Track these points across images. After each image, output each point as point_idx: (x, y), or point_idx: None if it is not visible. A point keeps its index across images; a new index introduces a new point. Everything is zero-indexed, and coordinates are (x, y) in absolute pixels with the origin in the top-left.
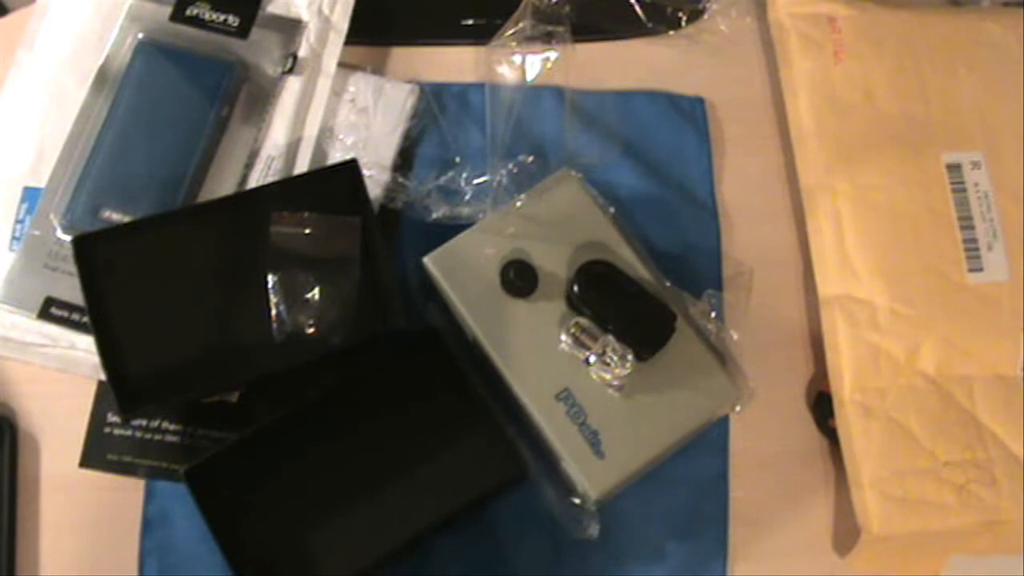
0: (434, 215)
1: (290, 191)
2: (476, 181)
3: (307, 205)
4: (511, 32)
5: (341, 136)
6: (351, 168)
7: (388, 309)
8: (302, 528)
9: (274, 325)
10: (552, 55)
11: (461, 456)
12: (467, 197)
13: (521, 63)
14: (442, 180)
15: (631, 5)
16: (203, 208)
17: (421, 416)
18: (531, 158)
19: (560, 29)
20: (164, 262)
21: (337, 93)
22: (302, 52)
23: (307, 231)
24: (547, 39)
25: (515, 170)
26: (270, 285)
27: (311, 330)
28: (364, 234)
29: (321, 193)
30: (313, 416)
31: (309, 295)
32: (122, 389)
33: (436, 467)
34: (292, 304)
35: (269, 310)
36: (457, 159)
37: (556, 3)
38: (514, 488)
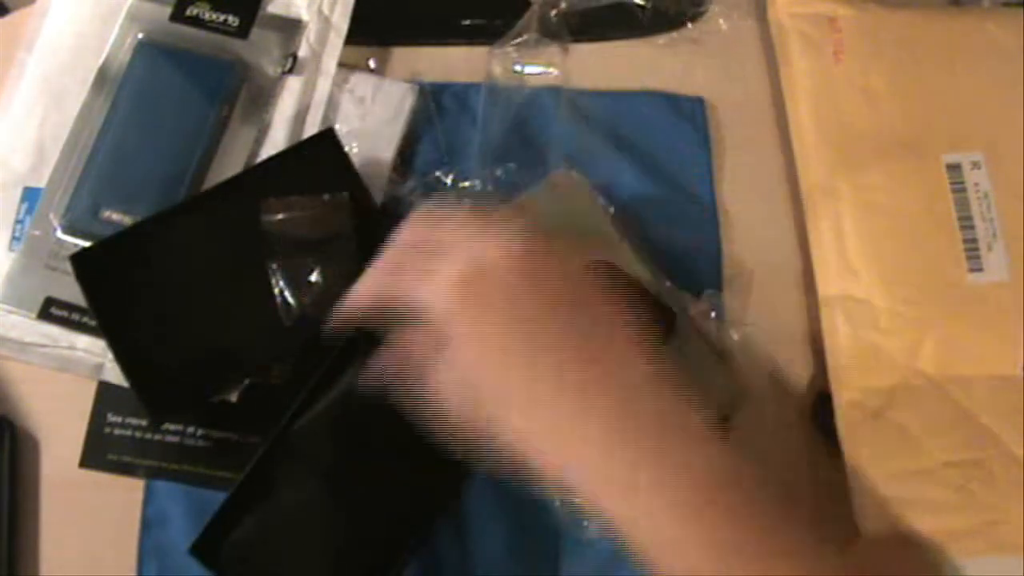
0: None
1: (273, 171)
2: (462, 185)
3: (295, 182)
4: (515, 43)
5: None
6: (328, 136)
7: None
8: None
9: (281, 312)
10: (552, 57)
11: None
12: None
13: (521, 69)
14: (428, 179)
15: (632, 6)
16: (188, 205)
17: None
18: (514, 167)
19: (563, 37)
20: (162, 264)
21: (338, 91)
22: (302, 52)
23: (296, 214)
24: (548, 44)
25: (502, 176)
26: (270, 272)
27: (317, 310)
28: (355, 204)
29: (306, 167)
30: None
31: (310, 277)
32: (152, 402)
33: None
34: (295, 289)
35: (273, 297)
36: (446, 160)
37: (561, 15)
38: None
